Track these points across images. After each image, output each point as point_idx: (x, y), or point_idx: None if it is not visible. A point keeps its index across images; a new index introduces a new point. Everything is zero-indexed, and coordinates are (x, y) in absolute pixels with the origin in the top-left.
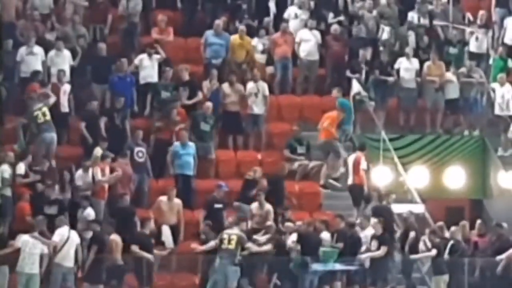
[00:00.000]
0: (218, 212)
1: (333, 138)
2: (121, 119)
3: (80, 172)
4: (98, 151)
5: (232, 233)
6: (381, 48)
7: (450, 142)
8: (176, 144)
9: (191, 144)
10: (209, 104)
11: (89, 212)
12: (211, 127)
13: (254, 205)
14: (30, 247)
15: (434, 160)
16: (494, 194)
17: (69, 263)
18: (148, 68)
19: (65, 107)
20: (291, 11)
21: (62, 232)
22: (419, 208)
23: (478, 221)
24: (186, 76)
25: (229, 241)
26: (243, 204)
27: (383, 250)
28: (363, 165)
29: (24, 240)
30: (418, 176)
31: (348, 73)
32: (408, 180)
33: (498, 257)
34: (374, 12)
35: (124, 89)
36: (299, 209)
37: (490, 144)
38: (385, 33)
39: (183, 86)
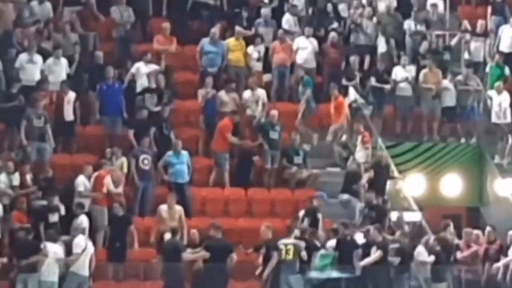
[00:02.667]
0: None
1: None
2: (169, 129)
3: (82, 178)
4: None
5: (288, 243)
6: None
7: (447, 150)
8: (169, 153)
9: (184, 153)
10: (274, 112)
11: (82, 220)
12: (279, 135)
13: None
14: (52, 255)
15: (431, 168)
16: (491, 202)
17: (85, 272)
18: (145, 75)
19: (69, 116)
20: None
21: (80, 241)
22: (416, 216)
23: (488, 228)
24: (152, 83)
25: (287, 251)
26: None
27: (378, 254)
28: None
29: (48, 248)
30: (414, 184)
31: (344, 81)
32: (404, 187)
33: (495, 265)
34: (374, 19)
35: (112, 97)
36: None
37: (487, 152)
38: (381, 45)
39: (150, 93)
